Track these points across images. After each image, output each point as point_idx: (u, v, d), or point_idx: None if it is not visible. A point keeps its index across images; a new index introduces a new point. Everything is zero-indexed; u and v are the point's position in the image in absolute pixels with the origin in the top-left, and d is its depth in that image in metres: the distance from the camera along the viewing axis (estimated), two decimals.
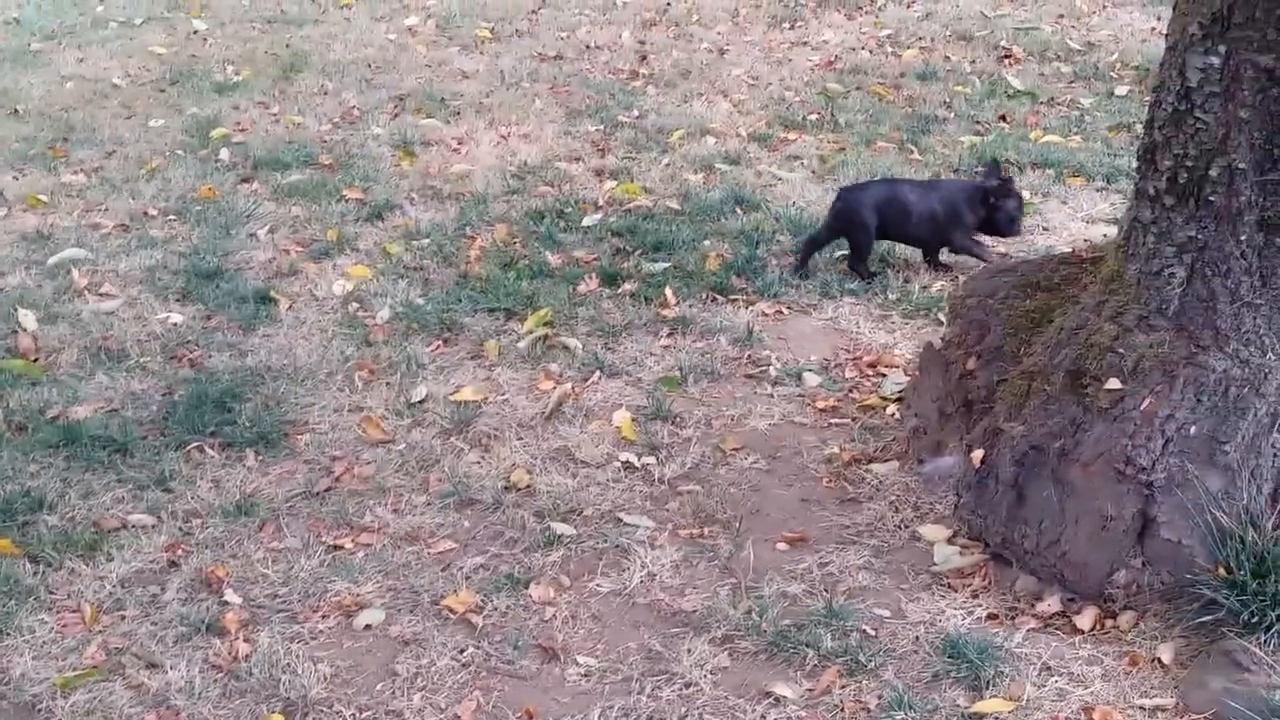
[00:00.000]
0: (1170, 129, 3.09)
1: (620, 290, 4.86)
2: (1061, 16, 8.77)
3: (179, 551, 3.41)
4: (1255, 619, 2.93)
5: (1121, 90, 7.25)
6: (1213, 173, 3.02)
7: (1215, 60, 2.93)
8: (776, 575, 3.33)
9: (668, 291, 4.79)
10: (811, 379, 4.28)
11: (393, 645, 3.12)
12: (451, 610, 3.21)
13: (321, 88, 7.45)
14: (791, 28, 8.62)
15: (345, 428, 4.00)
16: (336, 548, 3.44)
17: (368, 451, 3.88)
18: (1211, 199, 3.05)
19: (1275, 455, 3.07)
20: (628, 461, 3.82)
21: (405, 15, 8.94)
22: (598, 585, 3.32)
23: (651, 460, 3.84)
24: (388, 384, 4.23)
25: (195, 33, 8.73)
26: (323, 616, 3.20)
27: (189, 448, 3.86)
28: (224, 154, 6.39)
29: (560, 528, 3.51)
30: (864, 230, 4.88)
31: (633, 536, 3.48)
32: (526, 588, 3.29)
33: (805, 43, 8.30)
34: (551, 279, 4.95)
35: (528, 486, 3.70)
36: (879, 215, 4.86)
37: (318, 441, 3.93)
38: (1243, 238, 3.06)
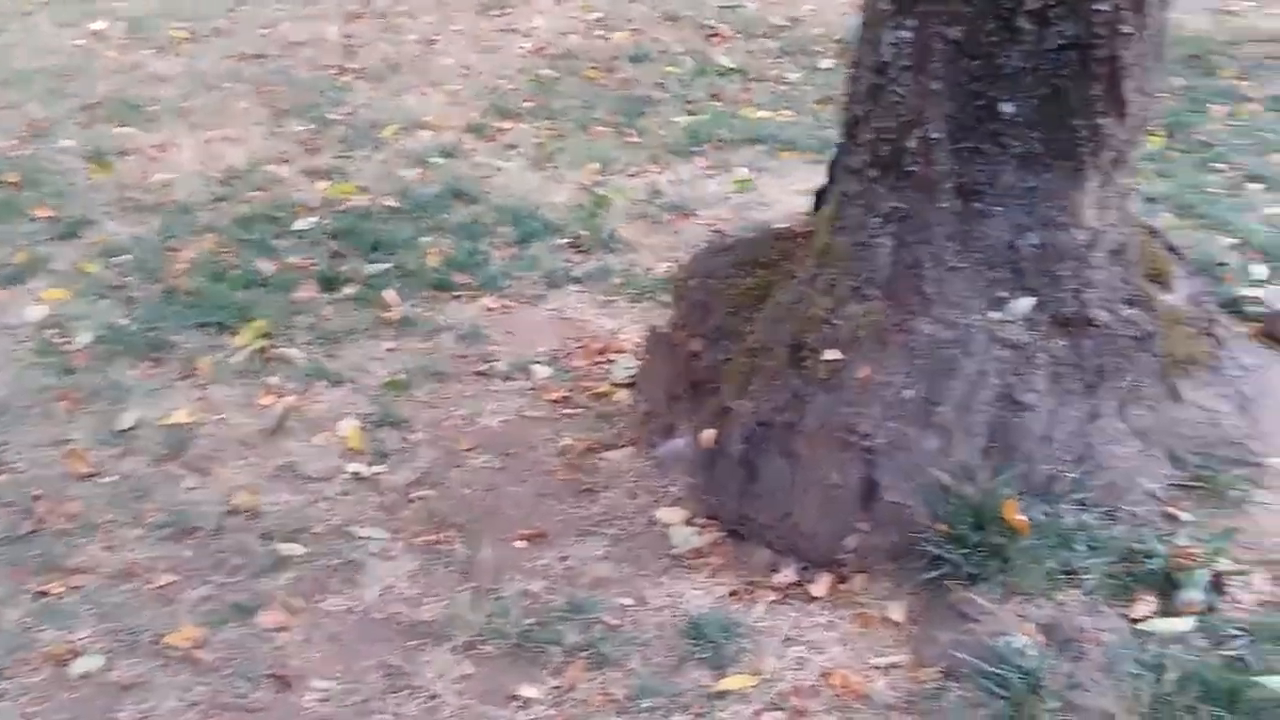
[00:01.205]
0: (868, 103, 3.17)
1: (340, 295, 4.69)
2: None
3: None
4: (977, 571, 3.03)
5: (826, 64, 7.43)
6: (910, 144, 3.11)
7: (906, 34, 3.02)
8: (517, 574, 3.28)
9: (389, 293, 4.66)
10: (541, 371, 4.24)
11: (113, 692, 2.91)
12: (175, 648, 3.02)
13: (4, 101, 6.97)
14: (501, 14, 8.52)
15: (47, 464, 3.72)
16: (43, 594, 3.20)
17: (74, 487, 3.62)
18: (911, 169, 3.14)
19: (985, 411, 3.19)
20: (356, 472, 3.69)
21: (92, 20, 8.45)
22: (332, 604, 3.19)
23: (382, 469, 3.72)
24: (92, 413, 3.96)
25: None
26: (33, 670, 2.97)
27: None
28: None
29: (288, 548, 3.36)
30: None
31: (366, 550, 3.37)
32: (255, 615, 3.13)
33: (515, 29, 8.22)
34: (266, 288, 4.73)
35: (252, 508, 3.53)
36: None
37: (16, 482, 3.64)
38: (943, 205, 3.16)
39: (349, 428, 3.87)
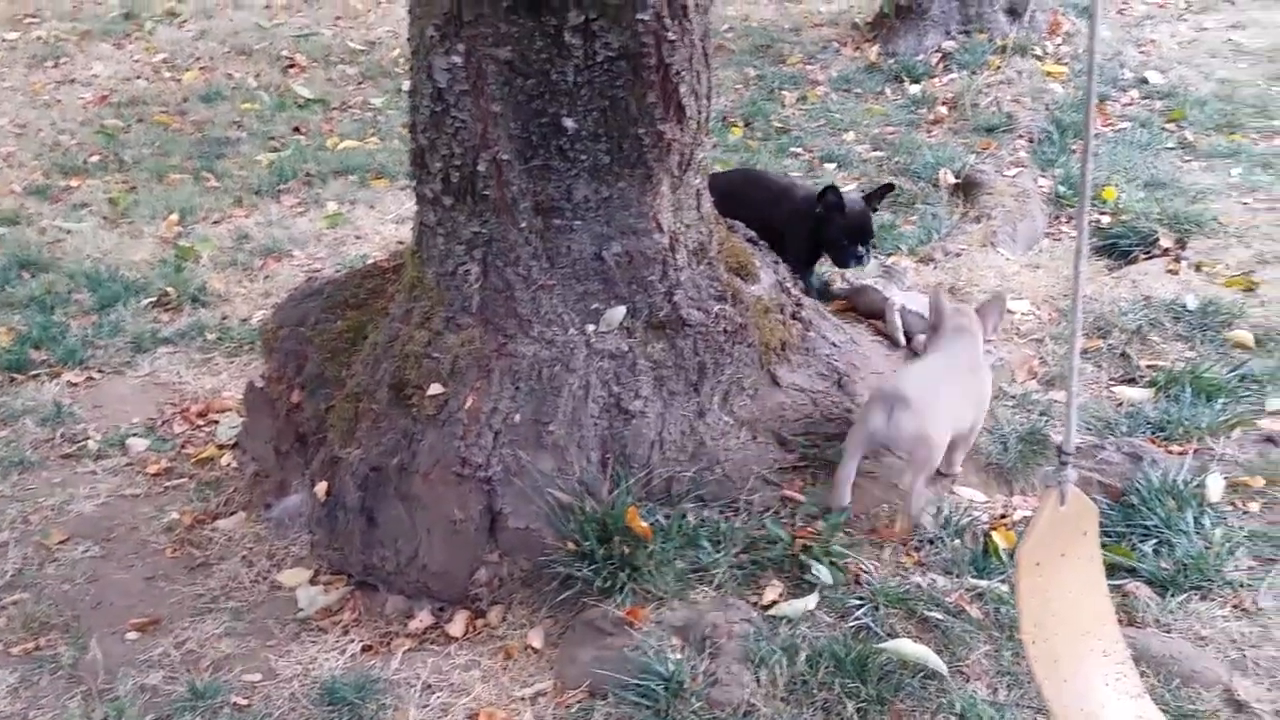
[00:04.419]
0: (433, 131, 3.10)
1: None
2: (339, 18, 8.80)
3: None
4: (608, 583, 3.03)
5: (408, 86, 7.33)
6: (480, 168, 3.06)
7: (458, 59, 2.96)
8: (131, 669, 3.04)
9: None
10: (138, 444, 3.97)
11: None
12: None
13: None
14: (56, 65, 8.01)
15: None
16: None
17: None
18: (486, 193, 3.10)
19: (595, 423, 3.19)
20: None
21: None
22: None
23: None
24: None
25: None
26: None
27: None
28: None
29: None
30: None
31: None
32: None
33: (74, 79, 7.75)
34: None
35: None
36: None
37: None
38: (523, 225, 3.14)
39: None
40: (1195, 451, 3.50)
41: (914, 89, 7.13)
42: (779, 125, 6.69)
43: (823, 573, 3.06)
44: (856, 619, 2.93)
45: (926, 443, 3.16)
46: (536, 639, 3.04)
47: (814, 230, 4.18)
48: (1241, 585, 3.01)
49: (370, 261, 4.09)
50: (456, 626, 3.13)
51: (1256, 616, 2.91)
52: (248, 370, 4.28)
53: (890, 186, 4.53)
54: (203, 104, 7.17)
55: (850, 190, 4.31)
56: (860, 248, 4.17)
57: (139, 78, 7.67)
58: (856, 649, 2.81)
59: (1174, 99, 6.73)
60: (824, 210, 4.13)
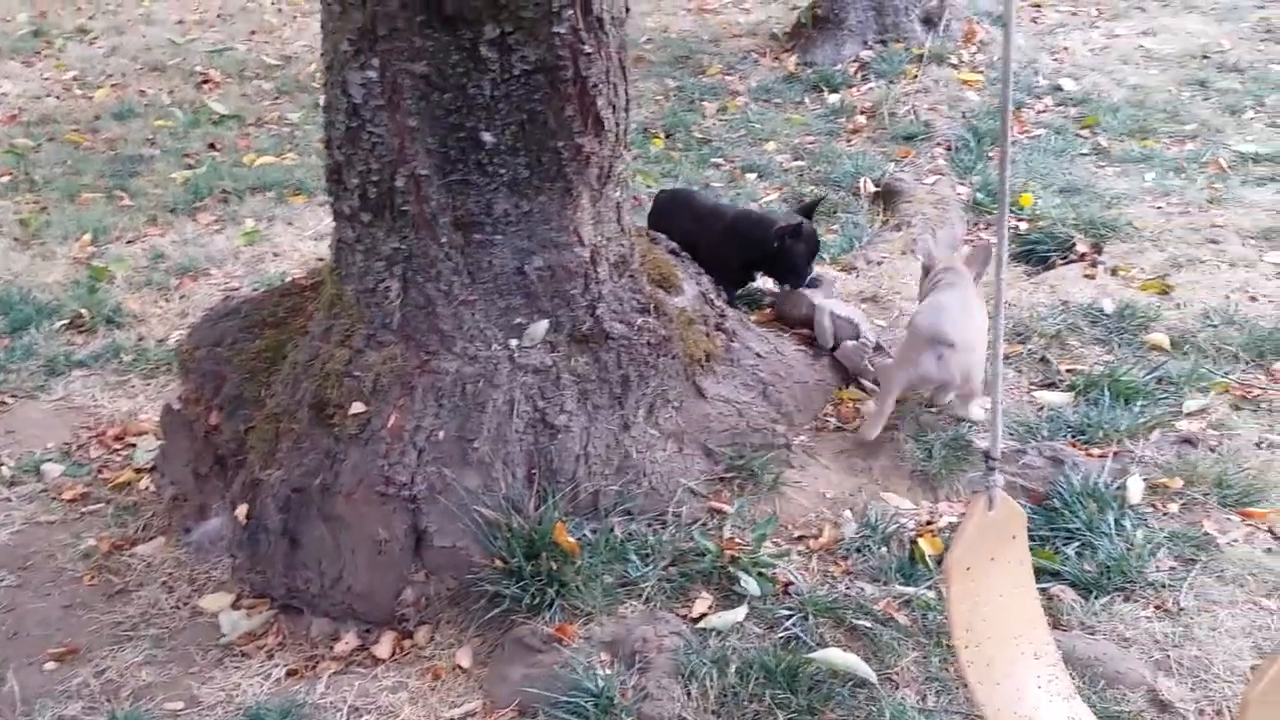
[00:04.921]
0: (349, 147, 3.06)
1: None
2: (254, 33, 8.70)
3: None
4: (537, 600, 3.01)
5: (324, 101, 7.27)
6: (398, 183, 3.03)
7: (373, 74, 2.93)
8: (49, 700, 2.96)
9: None
10: (53, 469, 3.88)
11: None
12: None
13: None
14: None
15: None
16: None
17: None
18: (405, 209, 3.06)
19: (521, 439, 3.17)
20: None
21: None
22: None
23: None
24: None
25: None
26: None
27: None
28: None
29: None
30: None
31: None
32: None
33: None
34: None
35: None
36: None
37: None
38: (443, 240, 3.11)
39: None
40: (1115, 454, 3.54)
41: (833, 98, 7.18)
42: (700, 136, 6.70)
43: (751, 584, 3.06)
44: (786, 629, 2.93)
45: (972, 377, 3.60)
46: (465, 658, 3.01)
47: (763, 259, 4.15)
48: (1163, 586, 3.04)
49: (289, 279, 4.03)
50: (383, 648, 3.08)
51: (1178, 616, 2.95)
52: (165, 392, 4.20)
53: (821, 199, 4.51)
54: (115, 121, 7.05)
55: (787, 214, 4.30)
56: (813, 265, 4.20)
57: (49, 95, 7.53)
58: (786, 660, 2.80)
59: (1088, 105, 6.83)
60: (782, 243, 4.07)
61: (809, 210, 4.26)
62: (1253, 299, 4.48)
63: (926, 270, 3.90)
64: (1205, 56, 7.64)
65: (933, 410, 3.75)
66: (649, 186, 5.82)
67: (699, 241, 4.09)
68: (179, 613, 3.27)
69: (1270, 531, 3.24)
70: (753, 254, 4.10)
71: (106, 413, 4.20)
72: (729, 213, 4.28)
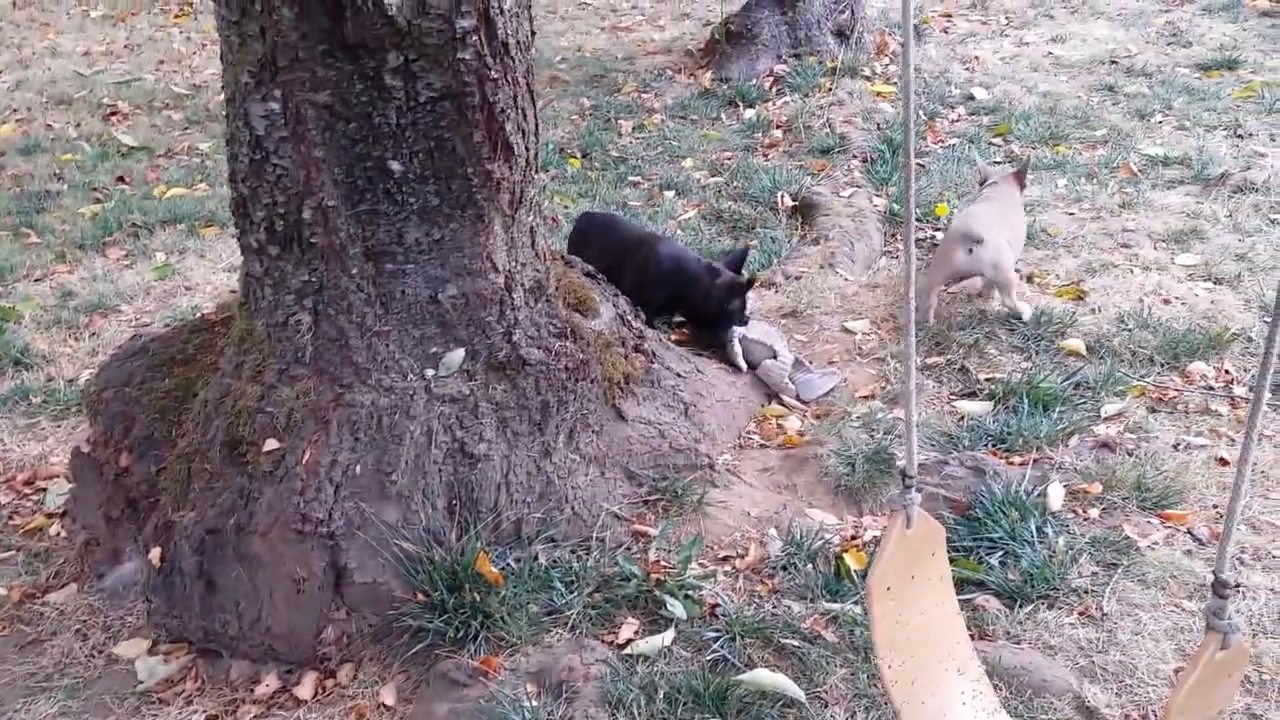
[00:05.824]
0: (253, 179, 3.00)
1: None
2: (162, 62, 8.58)
3: None
4: (461, 633, 2.97)
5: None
6: (306, 215, 2.97)
7: (275, 105, 2.87)
8: None
9: None
10: None
11: None
12: None
13: None
14: None
15: None
16: None
17: None
18: (313, 241, 3.01)
19: (440, 470, 3.12)
20: None
21: None
22: None
23: None
24: None
25: None
26: None
27: None
28: None
29: None
30: None
31: None
32: None
33: None
34: None
35: None
36: None
37: None
38: (354, 271, 3.06)
39: None
40: (1035, 461, 3.56)
41: (749, 113, 7.20)
42: (617, 155, 6.69)
43: (678, 607, 3.04)
44: (713, 651, 2.91)
45: (1001, 268, 4.35)
46: (389, 696, 2.95)
47: (693, 309, 4.24)
48: (1086, 592, 3.06)
49: (199, 315, 3.96)
50: (305, 689, 3.02)
51: (1102, 622, 2.96)
52: (75, 434, 4.10)
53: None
54: (20, 157, 6.90)
55: (721, 259, 4.34)
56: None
57: None
58: (714, 682, 2.78)
59: (999, 114, 6.90)
60: (722, 307, 4.15)
61: (739, 260, 4.27)
62: (1166, 301, 4.54)
63: (981, 184, 4.91)
64: (1113, 62, 7.76)
65: (854, 424, 3.75)
66: (567, 207, 5.80)
67: (623, 269, 4.08)
68: (94, 661, 3.18)
69: (1190, 533, 3.27)
70: (687, 303, 4.15)
71: (15, 457, 4.09)
72: (656, 244, 4.28)
